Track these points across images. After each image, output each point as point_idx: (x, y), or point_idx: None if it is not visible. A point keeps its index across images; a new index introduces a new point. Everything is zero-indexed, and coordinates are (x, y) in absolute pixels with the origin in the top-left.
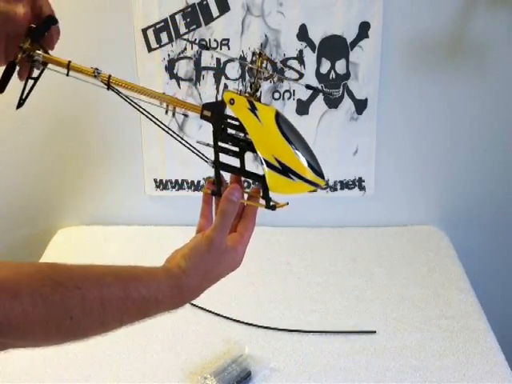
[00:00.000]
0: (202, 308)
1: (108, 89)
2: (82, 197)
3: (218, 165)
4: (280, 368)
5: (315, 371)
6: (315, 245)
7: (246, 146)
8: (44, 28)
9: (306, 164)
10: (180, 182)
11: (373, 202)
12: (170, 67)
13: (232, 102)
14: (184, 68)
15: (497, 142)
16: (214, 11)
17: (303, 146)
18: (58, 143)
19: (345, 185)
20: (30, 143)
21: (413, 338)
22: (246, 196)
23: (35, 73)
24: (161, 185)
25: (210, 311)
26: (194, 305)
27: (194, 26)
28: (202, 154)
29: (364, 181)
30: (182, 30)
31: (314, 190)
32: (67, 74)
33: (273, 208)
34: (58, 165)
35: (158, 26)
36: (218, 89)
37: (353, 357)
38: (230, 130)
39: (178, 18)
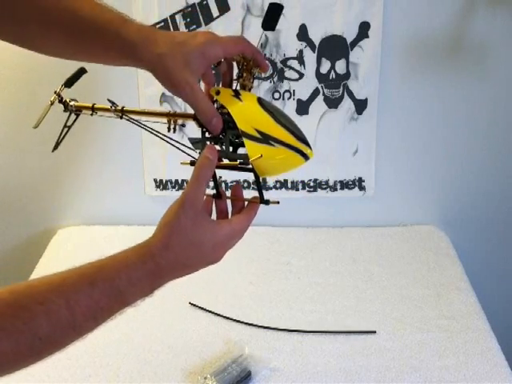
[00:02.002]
0: (202, 308)
1: (121, 118)
2: (82, 197)
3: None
4: (280, 368)
5: (315, 371)
6: (315, 245)
7: (231, 130)
8: (75, 78)
9: (286, 130)
10: (180, 182)
11: (373, 202)
12: None
13: (218, 93)
14: None
15: (497, 142)
16: (214, 11)
17: (285, 119)
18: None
19: (345, 185)
20: (30, 143)
21: (413, 337)
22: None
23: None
24: (161, 185)
25: (210, 311)
26: (194, 305)
27: (194, 26)
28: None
29: (364, 181)
30: (182, 30)
31: (302, 162)
32: (92, 115)
33: (266, 202)
34: (58, 165)
35: (157, 26)
36: None
37: (353, 357)
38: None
39: (178, 18)
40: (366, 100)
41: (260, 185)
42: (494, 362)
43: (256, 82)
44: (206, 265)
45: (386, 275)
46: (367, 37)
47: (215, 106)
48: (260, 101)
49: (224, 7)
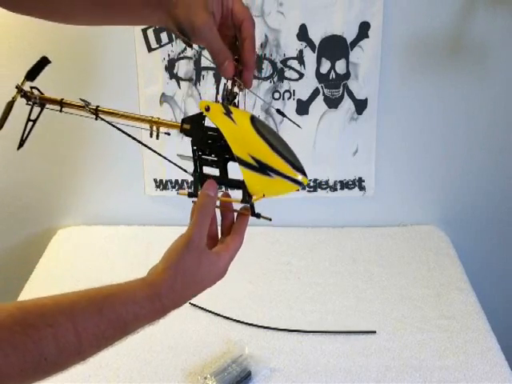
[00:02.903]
0: (202, 308)
1: (96, 119)
2: (82, 197)
3: (198, 175)
4: (280, 368)
5: (315, 371)
6: (315, 245)
7: (224, 152)
8: (38, 68)
9: (283, 159)
10: (180, 182)
11: (373, 202)
12: (170, 67)
13: (207, 108)
14: (184, 68)
15: (497, 142)
16: None
17: (280, 144)
18: (58, 143)
19: (345, 185)
20: (30, 143)
21: (413, 337)
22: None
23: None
24: (161, 185)
25: (210, 311)
26: (194, 305)
27: None
28: (180, 167)
29: (364, 181)
30: None
31: (297, 189)
32: (60, 111)
33: (257, 216)
34: (58, 165)
35: (157, 26)
36: (217, 89)
37: (353, 357)
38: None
39: None
40: (365, 100)
41: (251, 199)
42: (494, 362)
43: (256, 82)
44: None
45: (386, 275)
46: (367, 37)
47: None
48: (253, 122)
49: None
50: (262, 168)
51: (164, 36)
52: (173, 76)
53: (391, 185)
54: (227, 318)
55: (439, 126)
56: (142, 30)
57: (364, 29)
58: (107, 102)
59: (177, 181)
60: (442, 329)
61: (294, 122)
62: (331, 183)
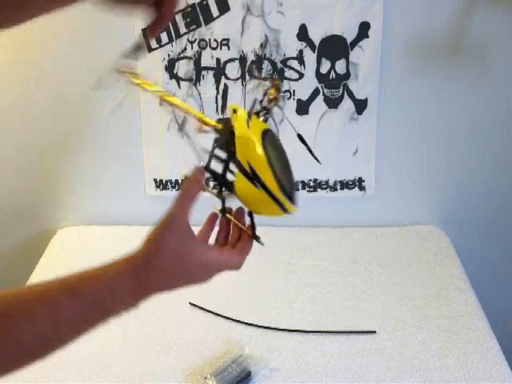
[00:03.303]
0: (202, 308)
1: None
2: (82, 197)
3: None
4: (280, 368)
5: (315, 371)
6: (315, 245)
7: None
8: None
9: (275, 178)
10: (180, 182)
11: (373, 202)
12: (170, 67)
13: (235, 111)
14: (184, 68)
15: (497, 142)
16: (214, 11)
17: (281, 163)
18: (58, 143)
19: (345, 185)
20: (30, 144)
21: (413, 337)
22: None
23: None
24: (161, 185)
25: (210, 311)
26: (194, 305)
27: (194, 26)
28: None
29: (364, 181)
30: (182, 29)
31: (281, 213)
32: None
33: (257, 238)
34: (57, 165)
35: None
36: (218, 89)
37: (353, 357)
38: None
39: (178, 17)
40: (365, 100)
41: (253, 218)
42: (494, 361)
43: (256, 82)
44: (195, 283)
45: (386, 275)
46: (367, 37)
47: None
48: (265, 134)
49: (224, 7)
50: (255, 177)
51: (164, 36)
52: (173, 76)
53: (391, 185)
54: (227, 318)
55: (439, 125)
56: (142, 29)
57: (364, 29)
58: (107, 102)
59: (177, 181)
60: (442, 329)
61: (312, 154)
62: (331, 183)
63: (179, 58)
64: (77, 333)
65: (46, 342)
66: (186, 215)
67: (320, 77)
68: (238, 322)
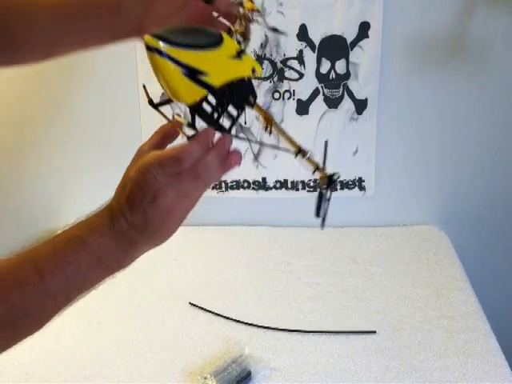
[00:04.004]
0: (202, 308)
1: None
2: (82, 197)
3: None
4: (280, 368)
5: (315, 371)
6: (315, 245)
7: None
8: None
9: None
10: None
11: (373, 202)
12: None
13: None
14: None
15: (497, 142)
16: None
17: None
18: (58, 143)
19: (345, 185)
20: (31, 144)
21: (413, 338)
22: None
23: None
24: None
25: (210, 311)
26: (194, 305)
27: None
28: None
29: (364, 181)
30: None
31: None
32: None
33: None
34: (57, 165)
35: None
36: None
37: (353, 357)
38: None
39: None
40: (365, 100)
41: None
42: (494, 361)
43: (256, 82)
44: (154, 211)
45: (386, 275)
46: (367, 37)
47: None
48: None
49: None
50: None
51: None
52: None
53: (391, 185)
54: (227, 318)
55: (439, 126)
56: None
57: (364, 29)
58: (107, 102)
59: None
60: (442, 329)
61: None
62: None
63: None
64: (65, 281)
65: (34, 298)
66: (149, 145)
67: (320, 77)
68: (238, 321)
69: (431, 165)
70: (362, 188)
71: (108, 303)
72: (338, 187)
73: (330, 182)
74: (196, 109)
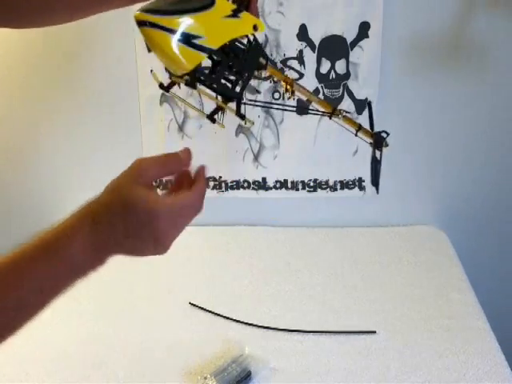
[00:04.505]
0: (202, 308)
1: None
2: (82, 197)
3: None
4: (280, 368)
5: (315, 371)
6: (315, 245)
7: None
8: None
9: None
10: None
11: (373, 202)
12: None
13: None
14: None
15: (497, 143)
16: None
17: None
18: (58, 143)
19: (345, 185)
20: (31, 144)
21: (413, 338)
22: None
23: None
24: (161, 185)
25: (210, 311)
26: (194, 305)
27: None
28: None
29: (364, 181)
30: None
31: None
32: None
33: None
34: (58, 164)
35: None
36: None
37: (353, 357)
38: None
39: None
40: (365, 100)
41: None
42: (494, 361)
43: (256, 82)
44: (149, 240)
45: (386, 275)
46: (367, 37)
47: None
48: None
49: None
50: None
51: None
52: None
53: (391, 185)
54: (227, 318)
55: (439, 126)
56: None
57: (364, 29)
58: (107, 102)
59: None
60: (442, 329)
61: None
62: (331, 183)
63: None
64: (36, 282)
65: (7, 292)
66: (151, 168)
67: (320, 77)
68: (238, 321)
69: (431, 165)
70: (362, 188)
71: (108, 303)
72: (338, 187)
73: (378, 142)
74: (197, 73)
